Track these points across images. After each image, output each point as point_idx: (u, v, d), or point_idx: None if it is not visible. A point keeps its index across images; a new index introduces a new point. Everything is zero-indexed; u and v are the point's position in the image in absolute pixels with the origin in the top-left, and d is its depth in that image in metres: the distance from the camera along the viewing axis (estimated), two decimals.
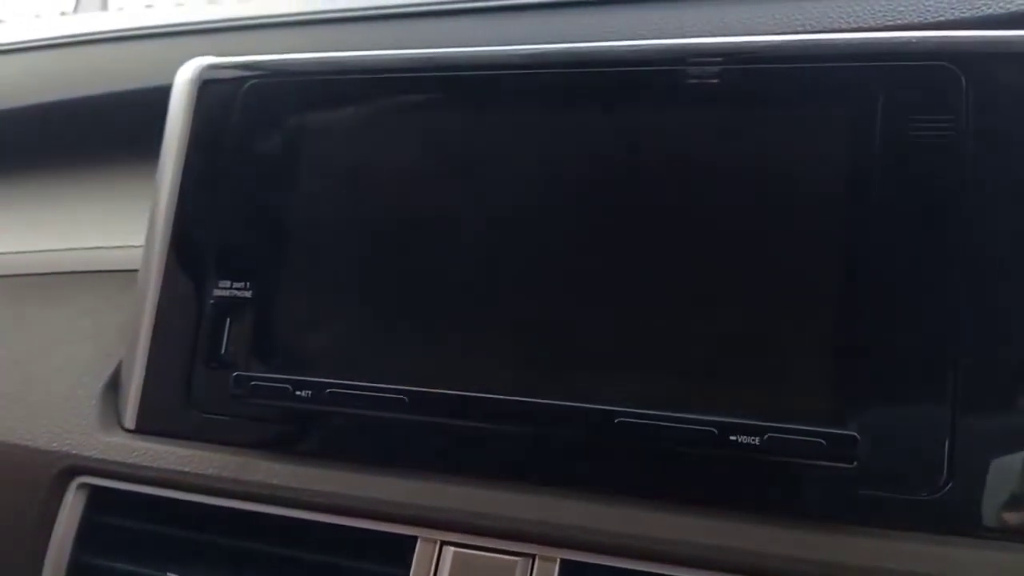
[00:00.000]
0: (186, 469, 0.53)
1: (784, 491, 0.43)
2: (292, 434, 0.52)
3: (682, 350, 0.46)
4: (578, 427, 0.45)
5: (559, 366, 0.47)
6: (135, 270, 0.58)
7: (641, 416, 0.44)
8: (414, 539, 0.48)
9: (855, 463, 0.41)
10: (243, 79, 0.58)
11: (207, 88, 0.59)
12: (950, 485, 0.41)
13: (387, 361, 0.50)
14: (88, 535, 0.56)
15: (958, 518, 0.41)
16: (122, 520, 0.55)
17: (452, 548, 0.47)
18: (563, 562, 0.46)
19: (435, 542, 0.48)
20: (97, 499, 0.56)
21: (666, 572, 0.44)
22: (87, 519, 0.56)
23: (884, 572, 0.41)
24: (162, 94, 0.60)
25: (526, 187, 0.50)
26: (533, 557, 0.46)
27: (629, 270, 0.47)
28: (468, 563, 0.47)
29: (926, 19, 0.54)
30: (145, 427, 0.56)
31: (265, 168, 0.56)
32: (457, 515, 0.47)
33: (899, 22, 0.54)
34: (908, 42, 0.45)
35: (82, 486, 0.56)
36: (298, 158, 0.55)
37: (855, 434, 0.41)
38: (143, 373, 0.56)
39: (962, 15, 0.53)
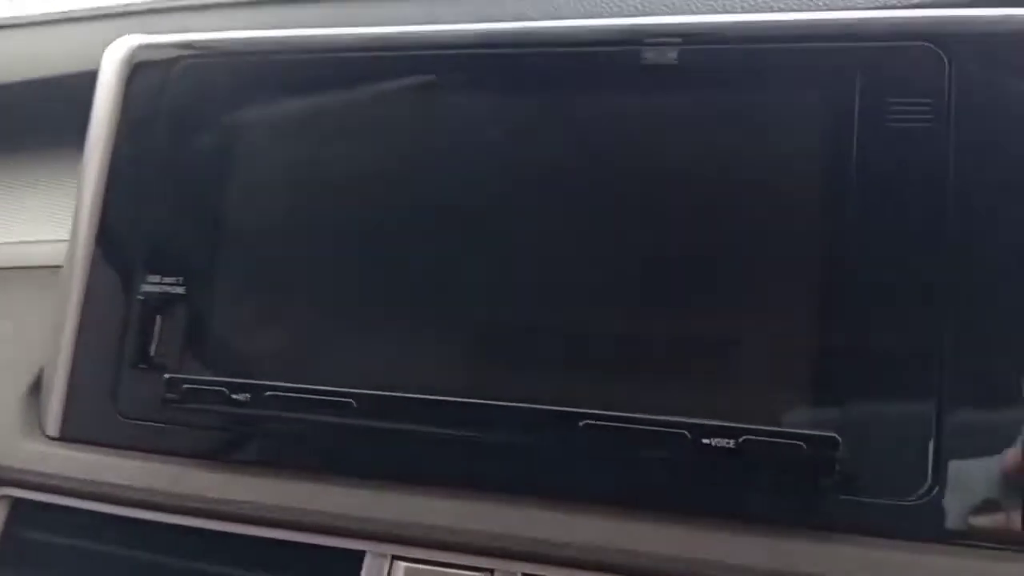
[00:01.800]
0: (114, 480, 0.51)
1: (761, 497, 0.42)
2: (229, 441, 0.50)
3: (652, 348, 0.44)
4: (540, 431, 0.43)
5: (519, 366, 0.46)
6: (59, 266, 0.56)
7: (608, 418, 0.42)
8: (362, 553, 0.46)
9: (836, 467, 0.39)
10: (176, 59, 0.56)
11: (137, 69, 0.57)
12: (935, 491, 0.40)
13: (333, 362, 0.48)
14: (9, 551, 0.53)
15: (943, 524, 0.39)
16: (45, 535, 0.53)
17: (403, 563, 0.46)
18: None
19: (385, 557, 0.46)
20: (18, 512, 0.54)
21: None
22: (8, 533, 0.54)
23: None
24: (90, 80, 0.58)
25: (479, 177, 0.48)
26: (491, 572, 0.44)
27: (593, 264, 0.46)
28: None
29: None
30: (69, 434, 0.53)
31: (200, 155, 0.54)
32: (409, 527, 0.46)
33: (877, 3, 0.53)
34: (888, 21, 0.44)
35: (2, 498, 0.54)
36: (235, 145, 0.53)
37: (836, 436, 0.39)
38: (67, 376, 0.54)
39: None
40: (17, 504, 0.54)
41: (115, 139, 0.56)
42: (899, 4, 0.52)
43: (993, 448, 0.39)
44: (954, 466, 0.39)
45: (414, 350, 0.47)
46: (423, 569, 0.45)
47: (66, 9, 0.74)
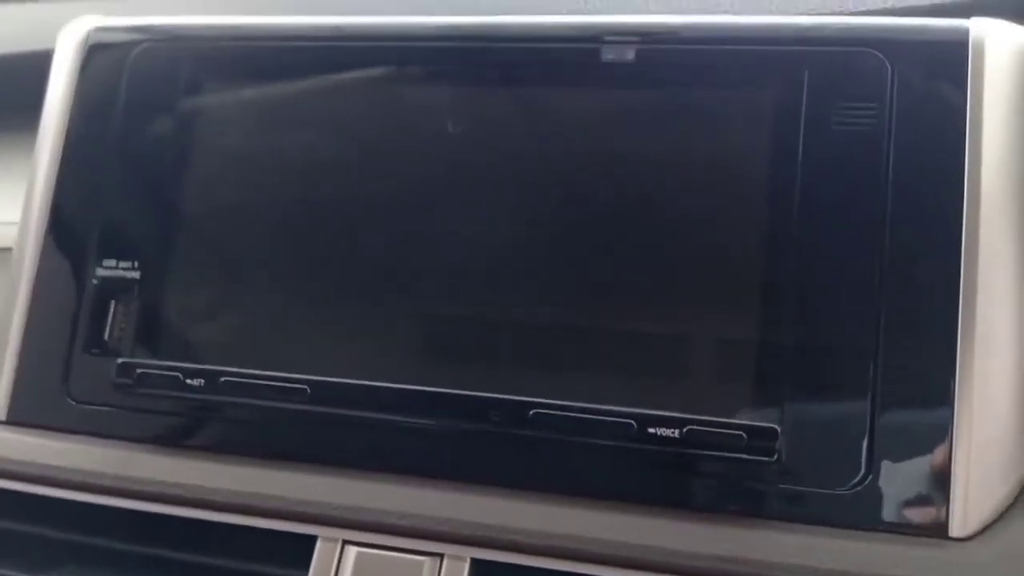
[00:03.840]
0: (63, 464, 0.50)
1: (704, 486, 0.42)
2: (182, 427, 0.50)
3: (601, 341, 0.45)
4: (491, 419, 0.44)
5: (470, 355, 0.46)
6: (9, 248, 0.55)
7: (557, 408, 0.43)
8: (313, 538, 0.46)
9: (775, 456, 0.40)
10: (133, 42, 0.55)
11: (93, 52, 0.56)
12: (869, 480, 0.41)
13: (287, 348, 0.48)
14: None
15: (875, 513, 0.41)
16: None
17: (355, 548, 0.45)
18: (473, 562, 0.44)
19: (336, 541, 0.46)
20: None
21: (582, 571, 0.42)
22: None
23: (804, 570, 0.40)
24: (45, 59, 0.57)
25: (434, 169, 0.48)
26: (441, 557, 0.44)
27: (544, 257, 0.46)
28: (372, 563, 0.45)
29: (851, 8, 0.53)
30: (18, 418, 0.52)
31: (157, 140, 0.53)
32: (360, 512, 0.45)
33: (826, 10, 0.54)
34: (836, 27, 0.45)
35: None
36: (191, 131, 0.52)
37: (776, 427, 0.40)
38: (16, 359, 0.52)
39: (886, 5, 0.53)
40: None
41: (70, 121, 0.54)
42: (847, 11, 0.54)
43: (924, 441, 0.40)
44: (887, 458, 0.41)
45: (367, 338, 0.47)
46: (374, 554, 0.45)
47: None
